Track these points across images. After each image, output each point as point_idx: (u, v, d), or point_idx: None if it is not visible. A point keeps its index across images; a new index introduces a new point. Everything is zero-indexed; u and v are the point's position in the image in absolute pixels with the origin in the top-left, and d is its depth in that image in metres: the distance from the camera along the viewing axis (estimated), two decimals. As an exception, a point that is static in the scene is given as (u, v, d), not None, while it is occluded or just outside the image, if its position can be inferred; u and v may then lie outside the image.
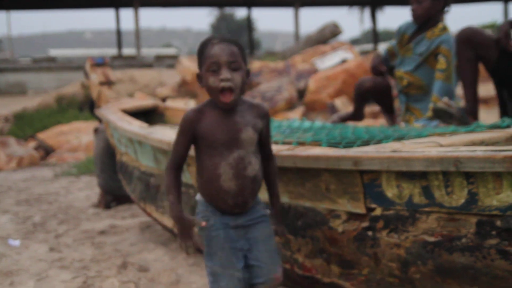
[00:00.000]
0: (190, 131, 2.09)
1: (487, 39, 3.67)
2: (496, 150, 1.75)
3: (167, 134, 3.26)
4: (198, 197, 2.19)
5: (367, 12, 30.19)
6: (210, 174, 2.09)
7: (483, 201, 1.80)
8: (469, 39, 3.61)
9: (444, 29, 3.85)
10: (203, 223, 2.11)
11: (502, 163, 1.69)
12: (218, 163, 2.07)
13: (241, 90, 2.06)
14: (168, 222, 3.44)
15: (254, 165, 2.11)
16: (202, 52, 2.07)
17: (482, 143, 2.28)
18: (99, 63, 4.97)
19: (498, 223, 1.79)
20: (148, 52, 28.15)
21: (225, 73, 2.00)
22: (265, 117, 2.18)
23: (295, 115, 9.23)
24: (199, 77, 2.11)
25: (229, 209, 2.12)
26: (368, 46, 25.04)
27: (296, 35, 19.24)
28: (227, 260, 2.09)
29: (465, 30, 3.69)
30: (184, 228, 2.08)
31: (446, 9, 3.89)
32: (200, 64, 2.08)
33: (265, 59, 13.51)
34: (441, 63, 3.77)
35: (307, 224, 2.37)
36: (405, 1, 19.73)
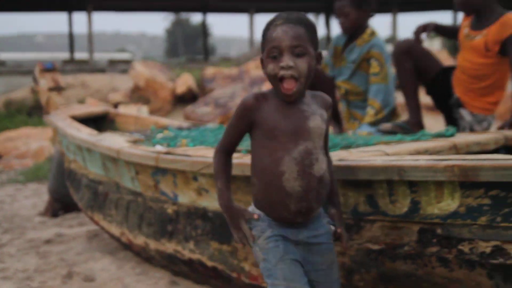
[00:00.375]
0: (247, 117, 1.81)
1: (425, 52, 3.77)
2: (438, 160, 1.78)
3: (116, 142, 3.21)
4: (252, 208, 1.89)
5: (322, 19, 30.53)
6: (270, 172, 1.77)
7: (425, 209, 1.83)
8: (408, 51, 3.69)
9: (372, 34, 3.92)
10: (255, 215, 1.82)
11: (443, 172, 1.72)
12: (280, 158, 1.76)
13: (307, 78, 1.77)
14: (116, 230, 3.39)
15: (321, 163, 1.79)
16: (265, 35, 1.81)
17: (426, 151, 2.32)
18: (49, 68, 4.88)
19: (439, 231, 1.82)
20: (101, 56, 27.80)
21: (286, 60, 1.73)
22: (330, 108, 1.90)
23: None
24: (262, 62, 1.84)
25: (290, 218, 1.79)
26: (323, 53, 25.27)
27: (251, 41, 19.30)
28: (290, 272, 1.75)
29: (404, 42, 3.77)
30: (233, 218, 1.85)
31: (371, 14, 3.98)
32: (262, 47, 1.83)
33: (219, 65, 13.51)
34: (374, 66, 3.85)
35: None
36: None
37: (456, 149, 2.43)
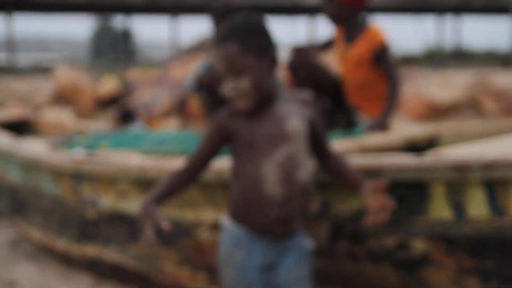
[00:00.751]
0: (222, 135, 1.72)
1: (319, 65, 3.73)
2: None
3: (35, 147, 3.17)
4: (224, 219, 1.79)
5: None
6: (250, 177, 1.67)
7: (335, 207, 1.92)
8: (301, 65, 3.67)
9: None
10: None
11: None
12: (261, 162, 1.65)
13: (257, 91, 1.64)
14: (37, 235, 3.34)
15: (304, 171, 1.68)
16: None
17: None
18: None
19: (348, 227, 1.91)
20: (24, 59, 26.93)
21: (226, 85, 1.65)
22: (312, 105, 1.76)
23: (173, 124, 9.21)
24: None
25: (270, 227, 1.68)
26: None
27: (176, 45, 19.21)
28: None
29: (297, 56, 3.68)
30: (142, 218, 1.77)
31: None
32: None
33: (143, 68, 13.38)
34: None
35: (175, 234, 2.40)
36: (291, 12, 20.01)
37: (363, 149, 2.55)
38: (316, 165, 1.81)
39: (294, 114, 1.69)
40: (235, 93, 1.65)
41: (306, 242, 1.76)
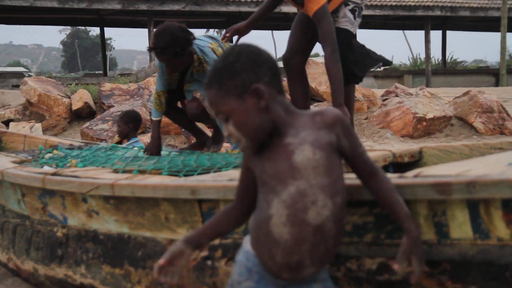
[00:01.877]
0: (246, 165, 1.67)
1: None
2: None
3: (0, 162, 3.06)
4: (246, 241, 1.69)
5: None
6: (261, 216, 1.57)
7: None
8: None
9: (201, 62, 3.79)
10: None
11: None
12: (270, 201, 1.55)
13: (249, 132, 1.55)
14: (2, 256, 3.21)
15: (321, 208, 1.51)
16: None
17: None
18: None
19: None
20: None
21: (224, 129, 1.60)
22: (335, 124, 1.57)
23: (149, 138, 9.10)
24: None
25: (276, 270, 1.57)
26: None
27: (151, 55, 19.12)
28: None
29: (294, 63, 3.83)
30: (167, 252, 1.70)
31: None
32: None
33: (118, 80, 13.24)
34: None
35: (147, 255, 2.32)
36: (262, 26, 20.07)
37: (345, 167, 2.50)
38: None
39: (306, 144, 1.53)
40: (231, 138, 1.58)
41: None
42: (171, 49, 3.52)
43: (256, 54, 1.58)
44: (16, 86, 14.64)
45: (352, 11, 3.59)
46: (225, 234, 1.78)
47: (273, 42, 41.56)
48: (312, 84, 10.46)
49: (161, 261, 1.65)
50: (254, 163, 1.62)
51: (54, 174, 2.60)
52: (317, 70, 10.70)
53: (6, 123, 10.25)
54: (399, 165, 2.86)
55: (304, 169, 1.51)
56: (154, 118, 3.92)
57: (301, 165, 1.51)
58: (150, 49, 3.67)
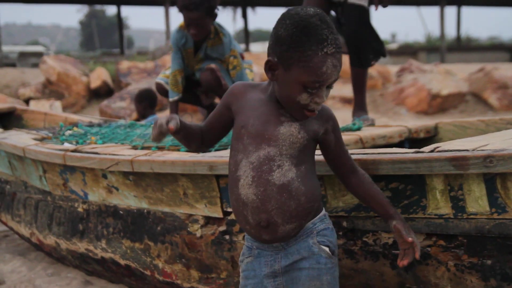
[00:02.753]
0: (228, 103, 1.70)
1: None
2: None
3: (22, 139, 3.11)
4: None
5: (239, 12, 30.59)
6: (230, 177, 1.65)
7: (331, 203, 1.88)
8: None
9: (217, 32, 3.87)
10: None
11: (346, 166, 1.76)
12: (239, 162, 1.62)
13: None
14: (25, 231, 3.28)
15: (286, 171, 1.58)
16: (303, 50, 1.51)
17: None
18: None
19: (344, 223, 1.87)
20: (12, 49, 26.63)
21: (322, 96, 1.56)
22: (329, 120, 1.67)
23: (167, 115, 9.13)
24: (272, 68, 1.58)
25: (254, 232, 1.64)
26: (241, 46, 25.42)
27: (167, 34, 19.07)
28: None
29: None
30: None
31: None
32: (291, 59, 1.52)
33: (135, 59, 13.27)
34: (231, 62, 3.90)
35: (166, 230, 2.35)
36: (276, 3, 19.93)
37: (362, 143, 2.51)
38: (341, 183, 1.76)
39: (297, 122, 1.61)
40: (320, 106, 1.60)
41: (321, 248, 1.64)
42: (206, 4, 3.61)
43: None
44: (36, 65, 14.72)
45: None
46: (189, 143, 1.76)
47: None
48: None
49: (172, 123, 1.60)
50: (240, 111, 1.66)
51: (74, 150, 2.64)
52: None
53: (27, 101, 10.35)
54: (415, 141, 2.86)
55: (282, 140, 1.59)
56: (171, 99, 3.94)
57: (281, 135, 1.59)
58: (182, 7, 3.69)
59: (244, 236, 1.80)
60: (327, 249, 1.64)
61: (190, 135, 1.73)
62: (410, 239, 1.61)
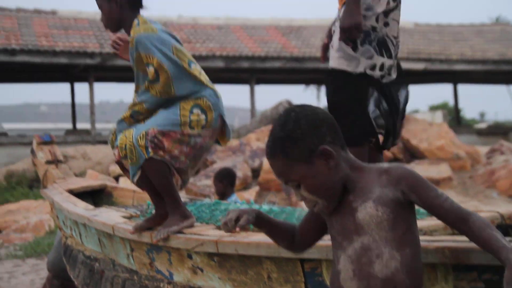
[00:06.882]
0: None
1: None
2: (429, 240, 1.77)
3: (111, 217, 3.21)
4: None
5: (323, 90, 30.96)
6: (333, 270, 1.67)
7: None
8: None
9: (136, 25, 2.72)
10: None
11: (434, 254, 1.71)
12: (338, 257, 1.62)
13: (323, 192, 1.60)
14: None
15: (387, 261, 1.53)
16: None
17: (420, 231, 2.30)
18: (46, 140, 4.88)
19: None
20: (105, 127, 28.00)
21: (296, 196, 1.67)
22: (399, 182, 1.56)
23: (250, 194, 9.21)
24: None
25: None
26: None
27: (252, 111, 19.53)
28: None
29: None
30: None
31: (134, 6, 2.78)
32: None
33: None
34: (149, 72, 2.67)
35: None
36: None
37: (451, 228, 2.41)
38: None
39: (369, 201, 1.57)
40: (305, 202, 1.64)
41: None
42: None
43: (314, 115, 1.60)
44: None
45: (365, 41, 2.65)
46: (276, 241, 1.85)
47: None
48: (413, 141, 10.25)
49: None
50: (325, 217, 1.69)
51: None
52: (417, 127, 10.48)
53: (117, 178, 10.73)
54: (508, 227, 2.73)
55: (367, 225, 1.56)
56: None
57: (364, 221, 1.56)
58: None
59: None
60: None
61: (275, 234, 1.80)
62: None
